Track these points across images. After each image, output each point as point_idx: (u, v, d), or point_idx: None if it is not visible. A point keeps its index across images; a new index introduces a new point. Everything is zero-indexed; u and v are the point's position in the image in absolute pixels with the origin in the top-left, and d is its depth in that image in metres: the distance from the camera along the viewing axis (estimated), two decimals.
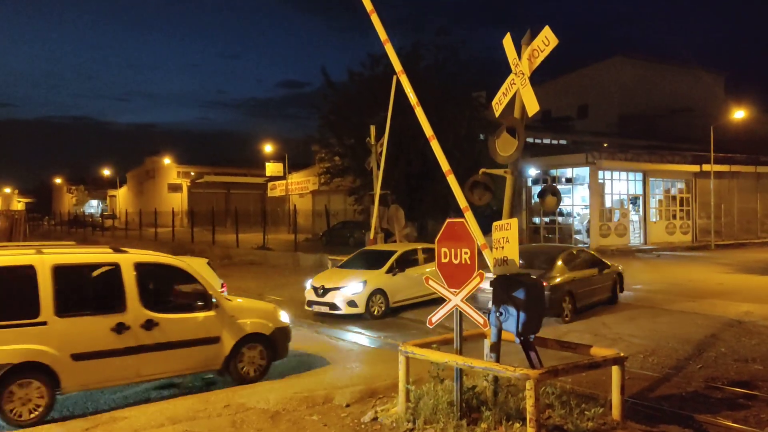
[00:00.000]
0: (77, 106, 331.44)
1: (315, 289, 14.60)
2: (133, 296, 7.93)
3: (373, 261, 15.39)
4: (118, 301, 7.87)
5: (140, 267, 8.17)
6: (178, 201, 64.69)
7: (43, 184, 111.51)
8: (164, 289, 8.65)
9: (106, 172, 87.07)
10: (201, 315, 8.47)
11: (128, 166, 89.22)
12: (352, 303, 14.03)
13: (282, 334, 9.20)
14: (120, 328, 7.75)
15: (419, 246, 16.49)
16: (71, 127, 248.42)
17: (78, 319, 7.64)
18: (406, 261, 15.43)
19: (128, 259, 8.17)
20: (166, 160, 72.96)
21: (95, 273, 8.20)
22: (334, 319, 14.09)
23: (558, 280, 12.97)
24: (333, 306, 14.16)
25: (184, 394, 8.28)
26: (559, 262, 13.46)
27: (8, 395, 7.11)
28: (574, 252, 14.80)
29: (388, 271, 14.84)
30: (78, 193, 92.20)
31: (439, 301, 7.00)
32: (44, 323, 7.37)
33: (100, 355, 7.64)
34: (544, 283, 11.45)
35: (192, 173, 72.24)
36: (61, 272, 7.61)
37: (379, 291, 14.36)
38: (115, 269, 8.01)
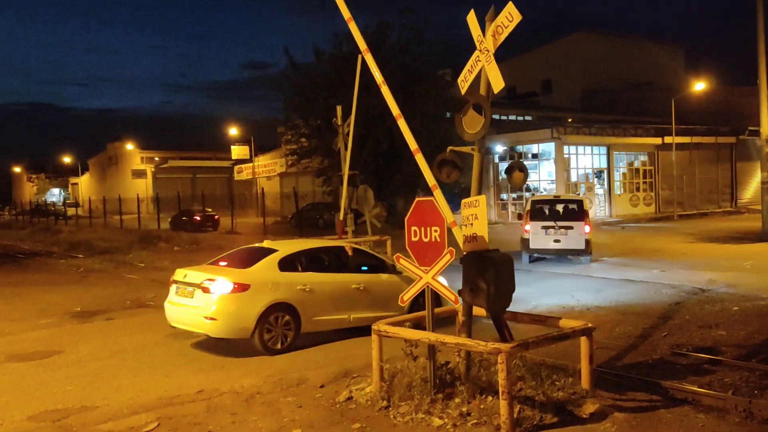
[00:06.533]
0: (36, 92, 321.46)
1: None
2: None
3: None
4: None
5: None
6: (143, 187, 63.47)
7: (2, 174, 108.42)
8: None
9: (67, 159, 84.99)
10: (581, 224, 17.07)
11: (90, 152, 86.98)
12: None
13: None
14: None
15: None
16: (30, 114, 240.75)
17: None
18: None
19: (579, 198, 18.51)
20: (129, 146, 71.40)
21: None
22: None
23: None
24: None
25: None
26: None
27: None
28: None
29: None
30: (39, 181, 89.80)
31: None
32: None
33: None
34: None
35: (156, 158, 70.90)
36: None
37: None
38: (579, 202, 17.68)
